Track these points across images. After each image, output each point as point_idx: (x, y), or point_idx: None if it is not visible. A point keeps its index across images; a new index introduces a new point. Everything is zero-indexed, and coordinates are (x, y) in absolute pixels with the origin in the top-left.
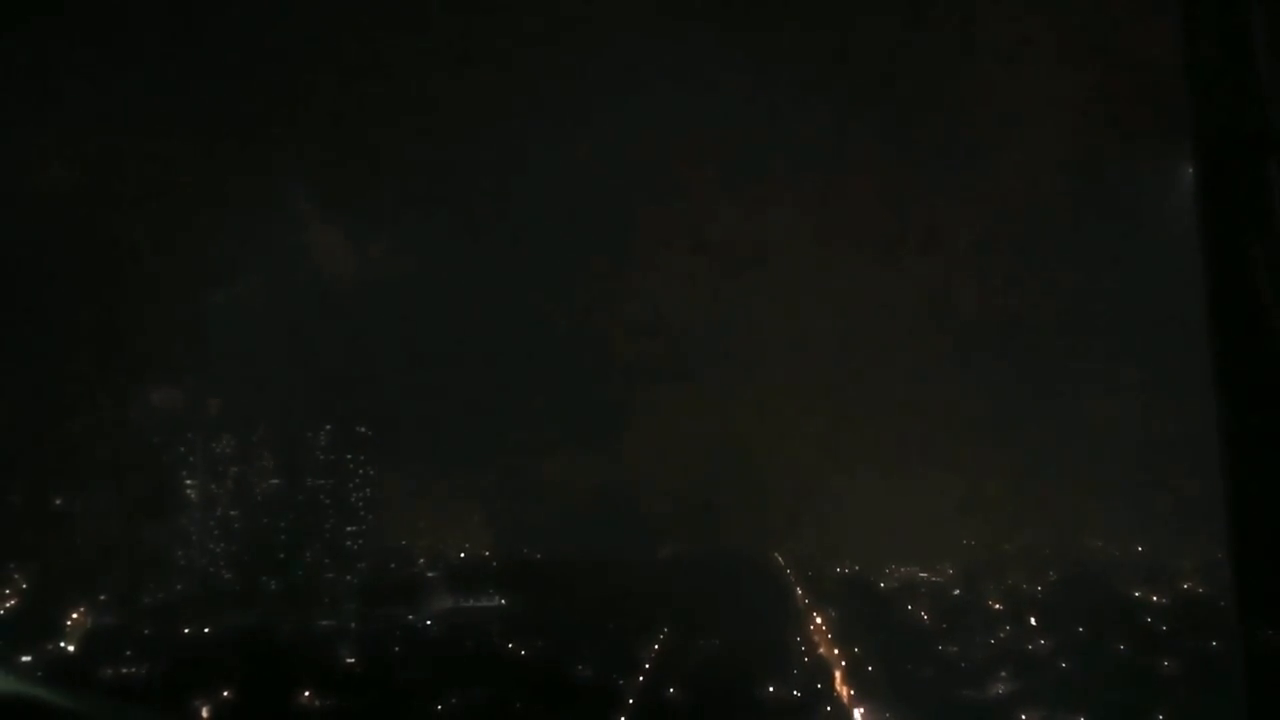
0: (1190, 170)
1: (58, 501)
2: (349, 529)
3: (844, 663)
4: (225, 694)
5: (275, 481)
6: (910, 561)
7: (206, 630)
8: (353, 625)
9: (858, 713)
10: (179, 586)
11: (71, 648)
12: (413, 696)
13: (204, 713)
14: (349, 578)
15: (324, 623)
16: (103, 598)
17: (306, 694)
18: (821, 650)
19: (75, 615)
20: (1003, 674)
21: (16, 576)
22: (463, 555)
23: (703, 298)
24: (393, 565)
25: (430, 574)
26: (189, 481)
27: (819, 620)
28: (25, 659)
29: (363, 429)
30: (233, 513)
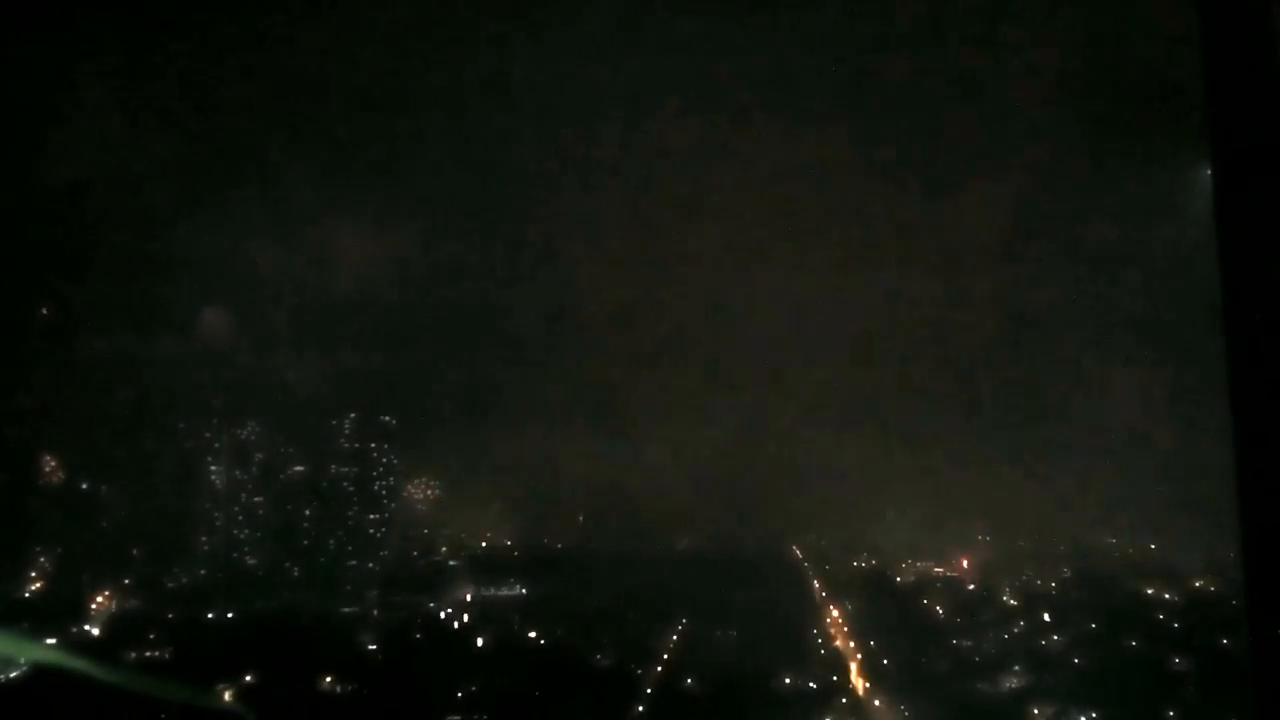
0: (1208, 174)
1: (84, 486)
2: (371, 517)
3: (860, 655)
4: (248, 678)
5: (299, 469)
6: (926, 556)
7: (230, 615)
8: (374, 613)
9: (874, 704)
10: (203, 571)
11: (96, 630)
12: (433, 684)
13: (226, 696)
14: (371, 565)
15: (346, 610)
16: (127, 581)
17: (328, 680)
18: (838, 642)
19: (100, 598)
20: (1016, 668)
21: (42, 560)
22: (484, 545)
23: (723, 294)
24: (415, 554)
25: (452, 563)
26: (214, 468)
27: (835, 613)
28: (50, 641)
29: (386, 418)
30: (257, 499)
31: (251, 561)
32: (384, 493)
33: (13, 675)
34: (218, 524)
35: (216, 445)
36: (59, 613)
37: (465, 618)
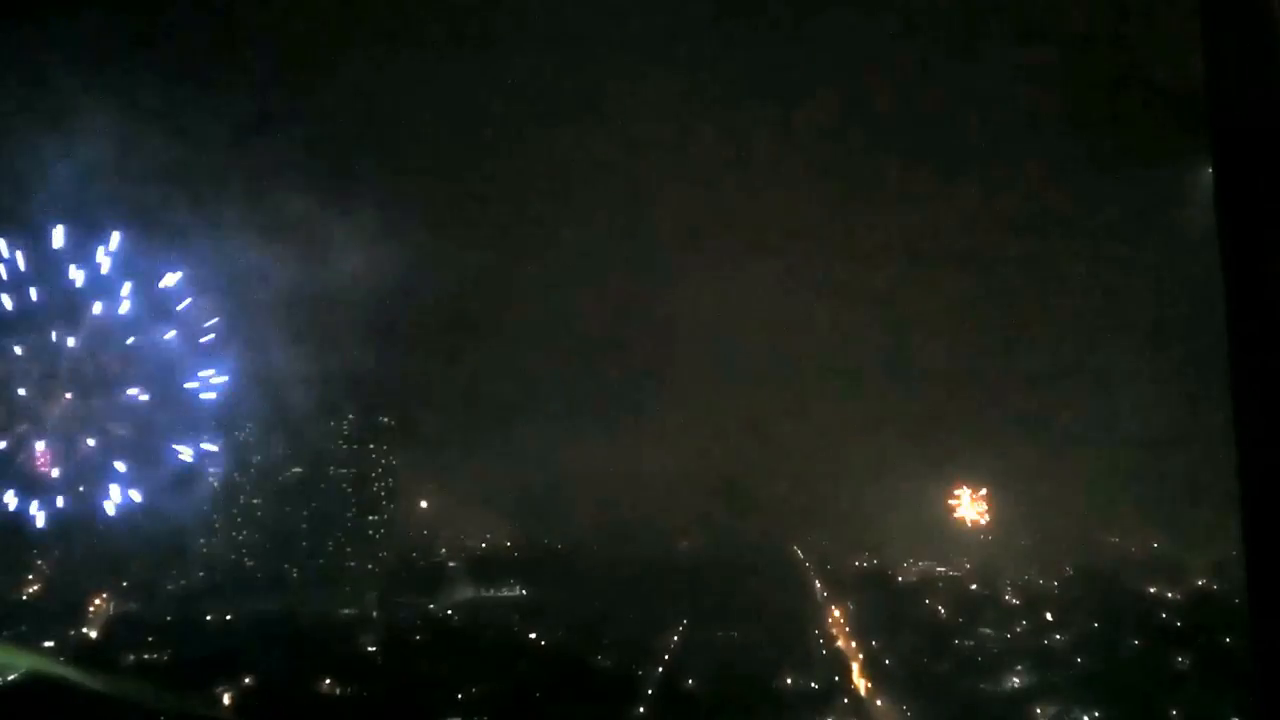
0: (1210, 168)
1: (81, 488)
2: (370, 518)
3: (861, 655)
4: (247, 681)
5: (297, 470)
6: (928, 556)
7: (229, 617)
8: (374, 614)
9: (876, 705)
10: (201, 573)
11: (94, 633)
12: (433, 686)
13: (226, 699)
14: (370, 567)
15: (345, 611)
16: (125, 584)
17: (327, 682)
18: (839, 643)
19: (98, 601)
20: (1019, 668)
21: (40, 562)
22: (484, 545)
23: (723, 292)
24: (414, 554)
25: (451, 563)
26: (212, 469)
27: (837, 613)
28: (48, 644)
29: (385, 418)
30: (255, 500)
31: (250, 563)
32: (383, 494)
33: (9, 680)
34: (216, 525)
35: (214, 446)
36: (56, 616)
37: (465, 619)
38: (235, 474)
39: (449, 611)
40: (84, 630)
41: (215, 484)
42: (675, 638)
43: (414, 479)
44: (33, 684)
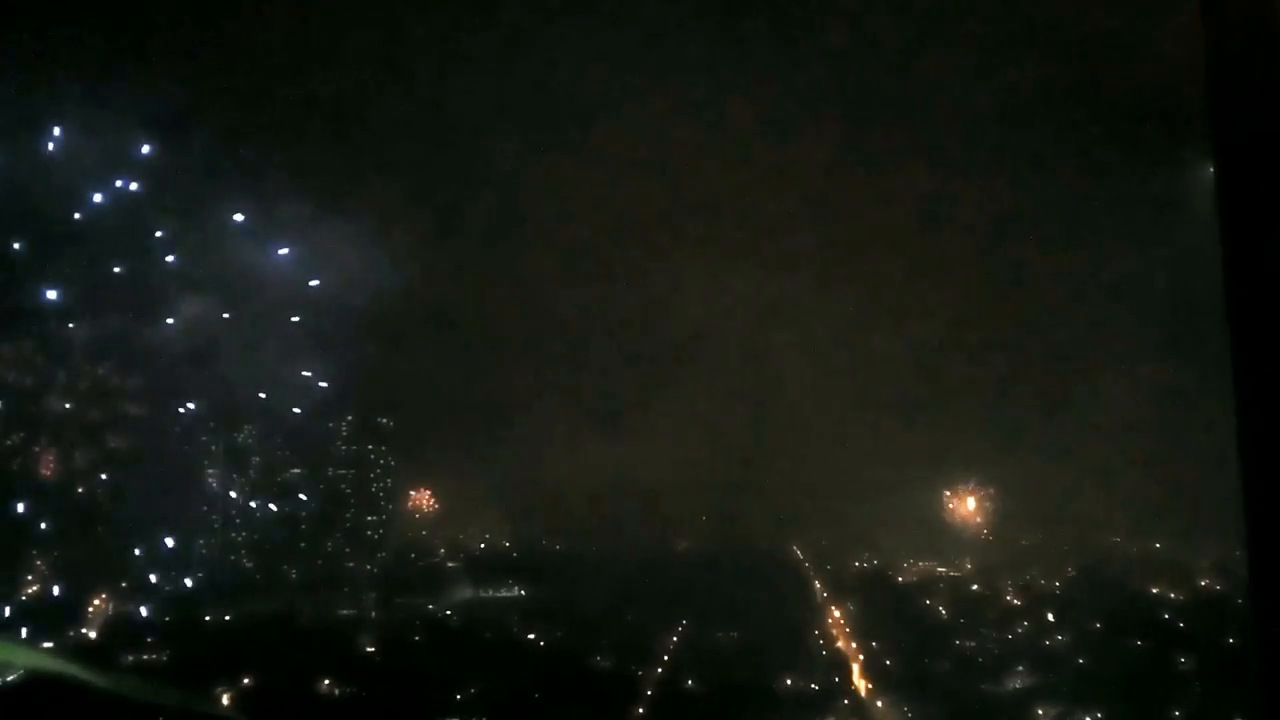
0: (1211, 169)
1: (79, 489)
2: (369, 519)
3: (862, 656)
4: (246, 681)
5: (296, 471)
6: (929, 556)
7: (228, 618)
8: (373, 614)
9: (876, 706)
10: (200, 574)
11: (93, 634)
12: (432, 686)
13: (225, 700)
14: (369, 567)
15: (344, 612)
16: (124, 584)
17: (326, 682)
18: (840, 643)
19: (97, 602)
20: (1020, 669)
21: (39, 563)
22: (483, 546)
23: (722, 294)
24: (413, 555)
25: (450, 564)
26: (211, 470)
27: (837, 613)
28: (47, 645)
29: (383, 420)
30: (254, 502)
31: (249, 564)
32: (382, 495)
33: (9, 679)
34: (215, 526)
35: (214, 447)
36: (55, 616)
37: (464, 619)
38: (235, 474)
39: (448, 612)
40: (84, 630)
41: (215, 485)
42: (675, 638)
43: (413, 479)
44: (33, 684)
